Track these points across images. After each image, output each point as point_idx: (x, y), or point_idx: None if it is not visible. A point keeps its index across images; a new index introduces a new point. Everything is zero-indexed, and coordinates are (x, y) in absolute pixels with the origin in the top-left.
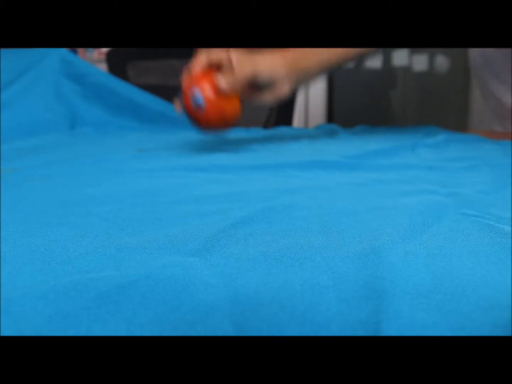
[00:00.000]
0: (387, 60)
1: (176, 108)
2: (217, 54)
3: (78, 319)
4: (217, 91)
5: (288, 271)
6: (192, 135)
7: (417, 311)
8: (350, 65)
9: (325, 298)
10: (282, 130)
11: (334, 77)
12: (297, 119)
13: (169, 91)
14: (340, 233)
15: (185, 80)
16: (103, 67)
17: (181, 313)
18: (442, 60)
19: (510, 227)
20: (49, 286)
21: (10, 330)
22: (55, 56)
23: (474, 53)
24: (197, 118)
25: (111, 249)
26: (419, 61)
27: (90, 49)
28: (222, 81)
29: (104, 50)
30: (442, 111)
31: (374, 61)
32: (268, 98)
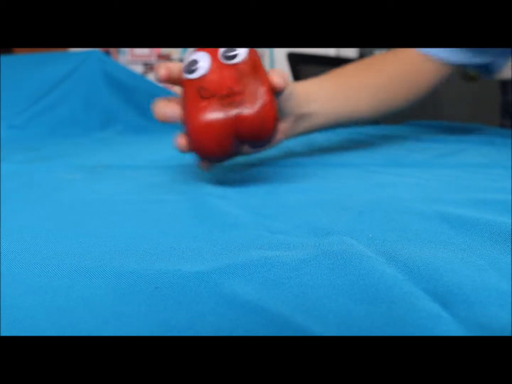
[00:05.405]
0: None
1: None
2: None
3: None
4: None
5: None
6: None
7: None
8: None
9: None
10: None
11: None
12: None
13: None
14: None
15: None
16: (137, 69)
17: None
18: None
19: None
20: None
21: (10, 330)
22: (94, 58)
23: None
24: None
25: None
26: None
27: (122, 51)
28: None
29: (137, 52)
30: (493, 112)
31: None
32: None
